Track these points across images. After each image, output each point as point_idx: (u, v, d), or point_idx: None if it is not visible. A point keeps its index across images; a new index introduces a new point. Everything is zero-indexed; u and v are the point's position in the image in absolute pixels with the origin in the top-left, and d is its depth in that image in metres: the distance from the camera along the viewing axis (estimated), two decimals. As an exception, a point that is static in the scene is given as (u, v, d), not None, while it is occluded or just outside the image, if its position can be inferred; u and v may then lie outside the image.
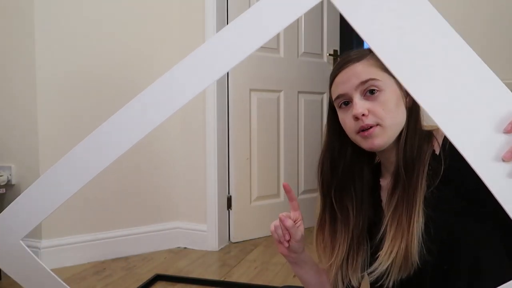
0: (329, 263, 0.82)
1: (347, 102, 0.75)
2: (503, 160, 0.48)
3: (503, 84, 0.48)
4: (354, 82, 0.73)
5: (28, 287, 0.67)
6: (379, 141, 0.73)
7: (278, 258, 2.19)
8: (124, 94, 2.24)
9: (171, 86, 0.52)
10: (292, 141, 2.69)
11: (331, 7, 3.02)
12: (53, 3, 2.04)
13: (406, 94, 0.74)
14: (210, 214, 2.35)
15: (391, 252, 0.69)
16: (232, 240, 2.47)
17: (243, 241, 2.49)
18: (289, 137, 2.67)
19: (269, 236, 2.56)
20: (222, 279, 1.93)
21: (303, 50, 2.70)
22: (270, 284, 1.84)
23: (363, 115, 0.72)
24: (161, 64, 2.35)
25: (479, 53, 0.48)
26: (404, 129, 0.75)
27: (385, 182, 0.81)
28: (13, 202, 0.56)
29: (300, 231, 0.85)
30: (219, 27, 2.33)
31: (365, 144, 0.74)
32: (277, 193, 2.63)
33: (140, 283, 1.86)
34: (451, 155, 0.69)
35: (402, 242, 0.68)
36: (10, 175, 2.06)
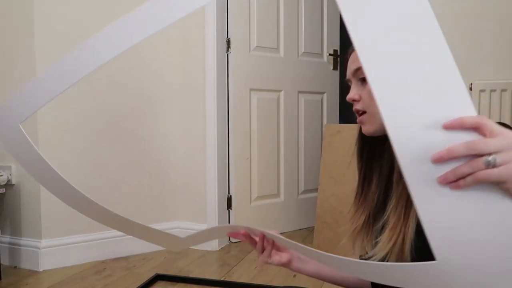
0: (352, 228, 0.85)
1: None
2: (432, 161, 0.46)
3: (466, 91, 0.46)
4: (351, 69, 0.77)
5: (27, 170, 0.75)
6: (368, 128, 0.75)
7: (278, 258, 2.19)
8: (125, 94, 2.24)
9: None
10: (292, 141, 2.69)
11: (332, 6, 3.04)
12: (53, 7, 2.04)
13: None
14: (210, 214, 2.35)
15: (389, 241, 0.69)
16: (232, 239, 2.47)
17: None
18: (289, 137, 2.67)
19: (269, 236, 2.56)
20: (222, 278, 1.93)
21: (303, 50, 2.71)
22: (270, 284, 1.84)
23: (353, 100, 0.75)
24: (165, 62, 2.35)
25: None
26: None
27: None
28: (18, 89, 0.59)
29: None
30: (219, 18, 2.33)
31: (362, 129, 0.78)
32: (277, 193, 2.63)
33: (140, 282, 1.86)
34: None
35: (400, 235, 0.67)
36: (10, 175, 2.06)
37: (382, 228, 0.73)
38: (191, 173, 2.39)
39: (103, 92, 2.18)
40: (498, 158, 0.45)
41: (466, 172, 0.46)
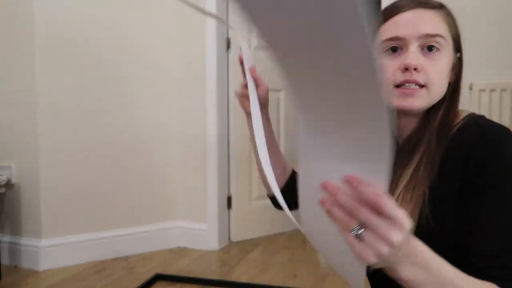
0: None
1: (396, 48, 0.66)
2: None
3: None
4: (419, 30, 0.64)
5: None
6: (419, 104, 0.65)
7: (279, 258, 2.19)
8: (125, 94, 2.24)
9: None
10: (292, 140, 2.69)
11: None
12: (53, 6, 2.04)
13: (452, 68, 0.68)
14: (210, 213, 2.35)
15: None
16: (232, 239, 2.47)
17: (243, 240, 2.49)
18: (289, 137, 2.67)
19: (269, 235, 2.56)
20: (222, 278, 1.93)
21: (303, 50, 2.70)
22: (270, 284, 1.84)
23: (415, 68, 0.63)
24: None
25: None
26: (439, 103, 0.68)
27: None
28: None
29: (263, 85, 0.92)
30: None
31: (399, 102, 0.65)
32: (277, 193, 2.62)
33: (140, 282, 1.86)
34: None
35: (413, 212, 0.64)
36: (10, 174, 2.06)
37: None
38: (191, 173, 2.39)
39: (104, 93, 2.18)
40: (367, 236, 0.45)
41: (339, 218, 0.46)
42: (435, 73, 0.64)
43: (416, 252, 0.50)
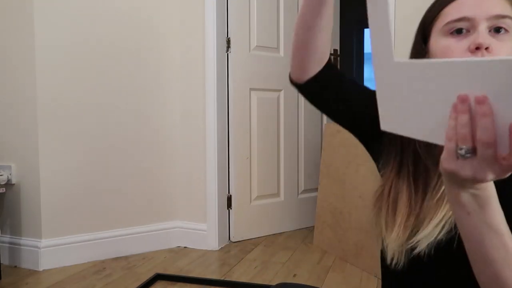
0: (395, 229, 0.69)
1: (461, 30, 0.63)
2: None
3: None
4: (488, 11, 0.62)
5: None
6: None
7: (278, 257, 2.19)
8: (125, 94, 2.24)
9: None
10: (292, 140, 2.69)
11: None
12: (53, 6, 2.04)
13: None
14: (210, 213, 2.35)
15: (445, 218, 0.63)
16: (232, 239, 2.47)
17: (243, 240, 2.49)
18: (289, 137, 2.67)
19: (269, 235, 2.57)
20: (222, 278, 1.94)
21: (303, 50, 2.70)
22: (270, 283, 1.84)
23: (486, 48, 0.60)
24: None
25: None
26: None
27: None
28: None
29: None
30: (219, 18, 2.33)
31: None
32: (277, 193, 2.63)
33: (140, 282, 1.86)
34: None
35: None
36: (10, 174, 2.06)
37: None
38: (191, 173, 2.39)
39: (104, 95, 2.18)
40: (469, 159, 0.44)
41: (461, 133, 0.43)
42: (504, 54, 0.61)
43: (489, 183, 0.49)
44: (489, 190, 0.50)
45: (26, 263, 2.06)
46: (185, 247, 2.38)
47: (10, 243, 2.10)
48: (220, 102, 2.35)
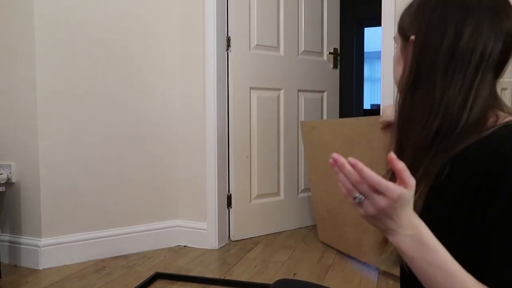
0: None
1: None
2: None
3: None
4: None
5: None
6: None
7: (278, 256, 2.20)
8: (125, 94, 2.24)
9: None
10: (292, 139, 2.69)
11: (332, 5, 3.04)
12: (53, 6, 2.04)
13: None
14: (210, 212, 2.36)
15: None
16: (232, 238, 2.47)
17: (243, 239, 2.49)
18: (289, 136, 2.67)
19: (269, 234, 2.57)
20: (222, 277, 1.94)
21: (303, 49, 2.70)
22: (270, 283, 1.84)
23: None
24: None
25: None
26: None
27: None
28: None
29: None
30: (219, 16, 2.33)
31: None
32: (277, 192, 2.63)
33: (140, 281, 1.86)
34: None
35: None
36: (10, 173, 2.06)
37: None
38: (191, 172, 2.39)
39: (104, 95, 2.18)
40: (365, 202, 0.56)
41: (345, 185, 0.57)
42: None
43: (411, 225, 0.56)
44: (419, 229, 0.56)
45: (26, 262, 2.06)
46: (185, 246, 2.39)
47: (10, 242, 2.10)
48: (220, 101, 2.35)
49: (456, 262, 0.54)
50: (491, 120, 0.64)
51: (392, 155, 0.54)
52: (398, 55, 0.74)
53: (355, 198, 0.56)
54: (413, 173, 0.57)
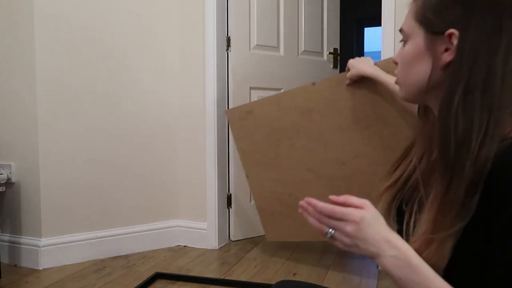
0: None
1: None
2: None
3: None
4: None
5: None
6: (400, 94, 0.70)
7: (278, 256, 2.19)
8: (125, 92, 2.24)
9: None
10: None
11: (332, 5, 3.03)
12: (53, 6, 2.04)
13: (444, 49, 0.60)
14: (210, 212, 2.35)
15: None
16: (232, 238, 2.47)
17: (243, 239, 2.49)
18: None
19: (269, 234, 2.56)
20: (222, 277, 1.94)
21: (303, 49, 2.70)
22: (270, 282, 1.84)
23: (395, 62, 0.70)
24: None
25: None
26: (443, 93, 0.60)
27: None
28: None
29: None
30: (219, 16, 2.33)
31: None
32: (277, 192, 2.63)
33: (140, 281, 1.86)
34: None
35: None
36: (10, 173, 2.06)
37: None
38: (191, 172, 2.39)
39: (104, 94, 2.18)
40: (336, 234, 0.61)
41: (315, 224, 0.63)
42: (399, 61, 0.71)
43: (391, 245, 0.58)
44: (400, 248, 0.57)
45: (26, 262, 2.06)
46: (185, 246, 2.39)
47: (10, 242, 2.10)
48: (220, 101, 2.35)
49: (442, 279, 0.55)
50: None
51: (332, 198, 0.61)
52: (416, 51, 0.64)
53: (327, 233, 0.61)
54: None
